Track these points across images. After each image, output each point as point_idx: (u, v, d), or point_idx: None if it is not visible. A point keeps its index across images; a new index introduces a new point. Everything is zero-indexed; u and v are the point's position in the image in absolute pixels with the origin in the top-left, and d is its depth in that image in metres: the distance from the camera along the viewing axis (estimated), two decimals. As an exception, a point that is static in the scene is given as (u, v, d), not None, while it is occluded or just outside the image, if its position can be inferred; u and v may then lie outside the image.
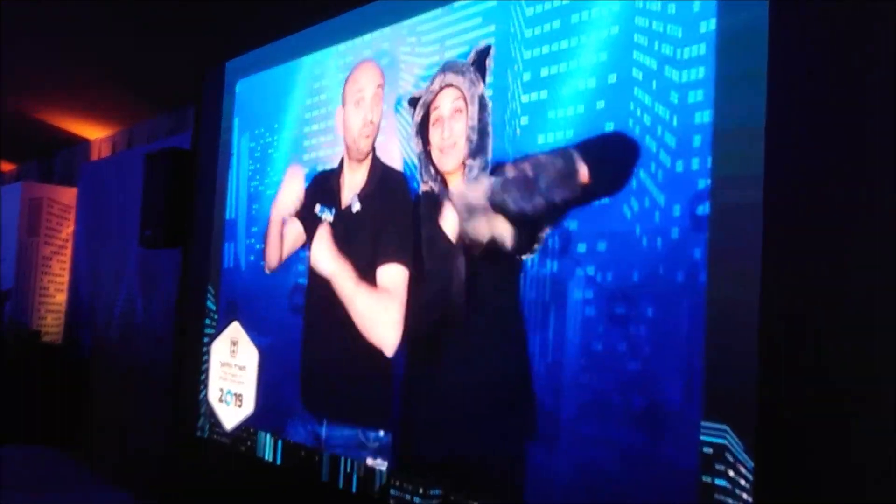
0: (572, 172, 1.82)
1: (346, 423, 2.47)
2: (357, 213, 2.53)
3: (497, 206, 1.98)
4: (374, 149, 2.51)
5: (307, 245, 2.70)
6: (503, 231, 1.97)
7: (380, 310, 2.38)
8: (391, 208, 2.42)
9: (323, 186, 2.70)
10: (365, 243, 2.48)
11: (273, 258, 2.87)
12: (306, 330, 2.71)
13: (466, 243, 2.09)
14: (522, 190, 1.91)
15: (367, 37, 2.59)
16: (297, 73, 2.90)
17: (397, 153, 2.41)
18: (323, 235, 2.63)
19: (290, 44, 2.95)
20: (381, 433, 2.34)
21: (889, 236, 1.37)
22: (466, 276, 2.10)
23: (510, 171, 1.97)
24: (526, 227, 1.93)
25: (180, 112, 4.35)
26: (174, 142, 3.95)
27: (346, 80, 2.64)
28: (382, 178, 2.47)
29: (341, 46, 2.70)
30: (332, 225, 2.61)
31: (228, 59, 3.31)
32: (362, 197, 2.53)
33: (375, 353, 2.37)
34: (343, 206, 2.59)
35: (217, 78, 3.36)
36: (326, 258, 2.59)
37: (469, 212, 2.07)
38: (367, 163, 2.53)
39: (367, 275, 2.43)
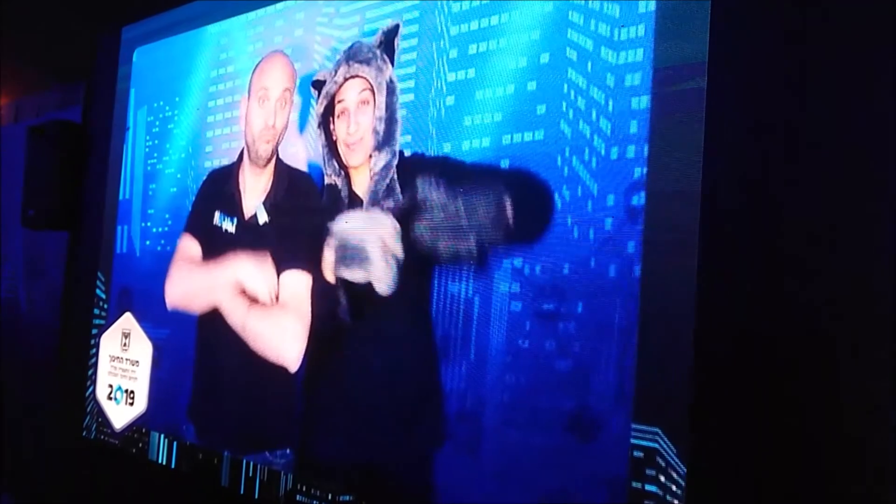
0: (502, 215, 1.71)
1: (251, 453, 2.27)
2: (264, 224, 2.30)
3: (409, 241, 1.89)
4: (276, 152, 2.31)
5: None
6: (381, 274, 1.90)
7: (279, 327, 2.19)
8: (300, 214, 2.21)
9: (219, 190, 2.46)
10: (272, 255, 2.26)
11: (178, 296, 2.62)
12: (199, 348, 2.48)
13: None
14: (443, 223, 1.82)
15: (280, 5, 2.39)
16: (202, 42, 2.66)
17: (302, 152, 2.23)
18: (182, 272, 2.45)
19: (193, 10, 2.70)
20: (288, 451, 2.16)
21: (832, 232, 1.32)
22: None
23: (425, 202, 1.86)
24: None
25: (73, 84, 3.99)
26: (66, 115, 3.60)
27: (254, 70, 2.42)
28: (290, 185, 2.26)
29: (251, 15, 2.49)
30: (235, 235, 2.38)
31: (124, 24, 3.02)
32: (268, 206, 2.30)
33: (277, 370, 2.18)
34: (247, 217, 2.36)
35: (112, 45, 3.06)
36: (187, 293, 2.41)
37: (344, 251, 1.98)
38: (270, 168, 2.32)
39: (262, 252, 2.26)
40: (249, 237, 2.34)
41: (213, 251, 2.46)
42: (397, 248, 1.87)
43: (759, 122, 1.42)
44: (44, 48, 3.69)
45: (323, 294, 2.08)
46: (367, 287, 1.93)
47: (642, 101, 1.51)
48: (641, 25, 1.53)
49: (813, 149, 1.37)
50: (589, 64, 1.60)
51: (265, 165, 2.33)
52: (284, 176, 2.28)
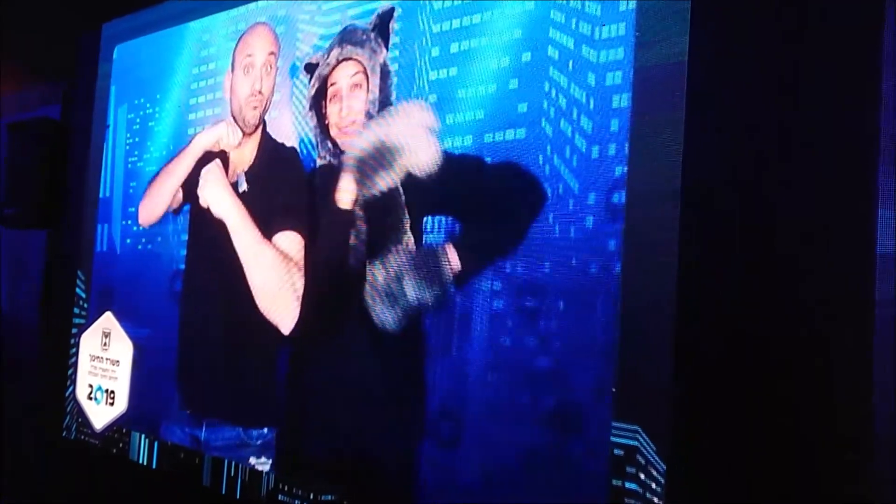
0: (442, 271, 1.74)
1: (228, 422, 2.26)
2: (243, 192, 2.31)
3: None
4: (263, 123, 2.31)
5: (186, 202, 2.46)
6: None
7: (282, 275, 2.14)
8: (282, 187, 2.21)
9: (206, 160, 2.46)
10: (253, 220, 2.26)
11: (157, 210, 2.59)
12: (184, 315, 2.46)
13: (364, 214, 1.93)
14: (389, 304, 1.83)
15: (262, 2, 2.37)
16: (183, 39, 2.64)
17: (290, 129, 2.22)
18: (214, 170, 2.37)
19: (175, 7, 2.68)
20: (265, 430, 2.15)
21: (812, 230, 1.33)
22: (366, 250, 1.94)
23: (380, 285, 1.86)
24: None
25: (53, 82, 3.95)
26: (46, 113, 3.56)
27: (237, 43, 2.42)
28: (272, 156, 2.26)
29: (233, 12, 2.47)
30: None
31: (105, 21, 2.99)
32: (250, 176, 2.31)
33: (264, 334, 2.15)
34: (230, 181, 2.37)
35: (92, 42, 3.03)
36: (222, 196, 2.31)
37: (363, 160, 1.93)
38: (256, 138, 2.32)
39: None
40: None
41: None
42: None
43: (739, 121, 1.42)
44: (24, 45, 3.64)
45: (318, 257, 2.06)
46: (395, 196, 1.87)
47: (623, 100, 1.51)
48: (622, 24, 1.54)
49: (789, 146, 1.38)
50: (570, 63, 1.60)
51: (251, 133, 2.33)
52: (269, 148, 2.28)
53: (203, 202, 2.39)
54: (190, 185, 2.47)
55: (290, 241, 2.14)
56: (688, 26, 1.45)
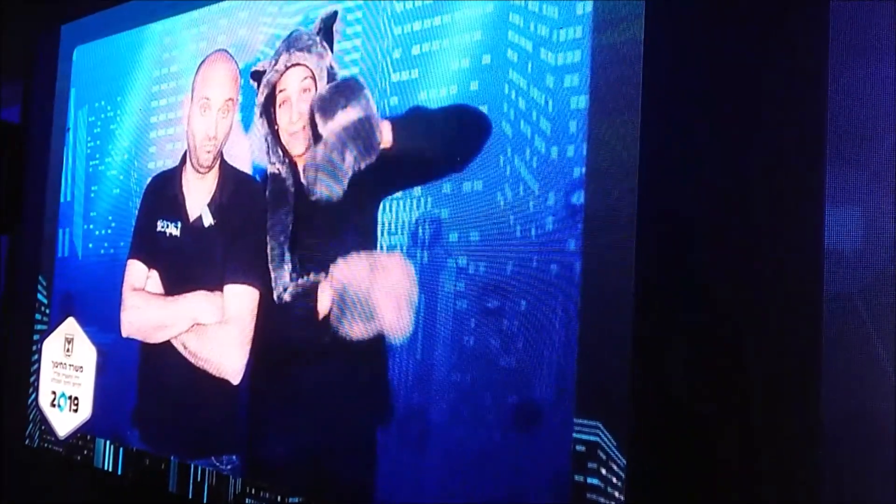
0: (373, 141, 1.81)
1: (197, 458, 2.25)
2: (210, 226, 2.27)
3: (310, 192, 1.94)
4: (220, 154, 2.28)
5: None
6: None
7: (218, 343, 2.17)
8: (246, 218, 2.18)
9: (162, 195, 2.42)
10: (217, 259, 2.23)
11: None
12: (142, 361, 2.45)
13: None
14: (330, 174, 1.87)
15: (225, 4, 2.36)
16: (144, 41, 2.61)
17: (247, 153, 2.20)
18: (136, 305, 2.42)
19: (136, 8, 2.65)
20: (234, 457, 2.14)
21: (770, 227, 1.36)
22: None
23: (319, 156, 1.91)
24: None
25: (10, 83, 3.87)
26: (6, 115, 3.49)
27: (197, 71, 2.38)
28: (236, 187, 2.23)
29: (195, 13, 2.45)
30: (179, 239, 2.35)
31: (64, 21, 2.94)
32: (212, 207, 2.27)
33: (219, 381, 2.17)
34: (191, 219, 2.32)
35: (51, 44, 2.99)
36: (142, 328, 2.40)
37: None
38: (215, 171, 2.29)
39: (216, 290, 2.22)
40: (194, 240, 2.31)
41: (159, 262, 2.42)
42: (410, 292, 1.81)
43: (695, 119, 1.46)
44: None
45: (271, 310, 2.07)
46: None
47: (581, 102, 1.54)
48: (579, 27, 1.56)
49: (746, 143, 1.41)
50: (529, 65, 1.63)
51: (207, 172, 2.31)
52: (230, 178, 2.26)
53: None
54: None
55: (240, 297, 2.14)
56: (643, 26, 1.48)
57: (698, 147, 1.44)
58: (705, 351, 1.40)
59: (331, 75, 1.97)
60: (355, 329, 1.86)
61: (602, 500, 1.43)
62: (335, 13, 1.98)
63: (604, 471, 1.44)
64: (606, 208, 1.48)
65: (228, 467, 2.15)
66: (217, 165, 2.29)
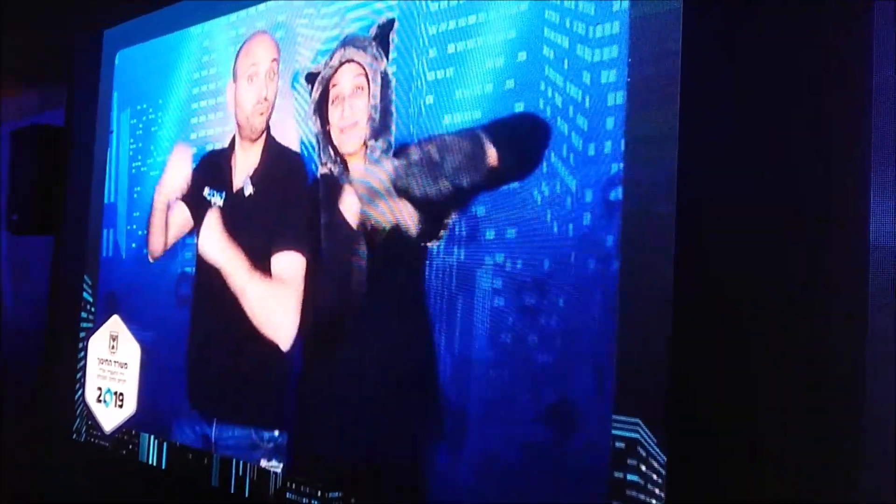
0: (481, 155, 1.73)
1: (238, 424, 2.30)
2: (249, 196, 2.34)
3: (401, 191, 1.87)
4: (268, 128, 2.33)
5: (195, 231, 2.50)
6: (407, 217, 1.86)
7: (274, 301, 2.21)
8: (287, 192, 2.25)
9: (212, 168, 2.49)
10: (258, 229, 2.30)
11: (157, 245, 2.64)
12: (193, 323, 2.50)
13: (368, 230, 1.96)
14: (428, 174, 1.81)
15: (262, 7, 2.40)
16: (184, 44, 2.66)
17: (293, 133, 2.24)
18: (212, 222, 2.43)
19: (175, 12, 2.71)
20: (276, 433, 2.18)
21: (813, 222, 1.34)
22: (367, 264, 1.97)
23: (414, 154, 1.86)
24: (432, 212, 1.82)
25: (54, 87, 3.97)
26: (49, 118, 3.59)
27: (238, 54, 2.44)
28: (277, 160, 2.29)
29: (232, 17, 2.49)
30: (223, 209, 2.42)
31: (107, 27, 3.01)
32: (255, 180, 2.34)
33: (269, 347, 2.21)
34: (234, 189, 2.40)
35: (94, 48, 3.06)
36: (216, 246, 2.40)
37: (371, 196, 1.94)
38: (261, 142, 2.35)
39: (260, 262, 2.26)
40: (236, 210, 2.39)
41: (200, 221, 2.50)
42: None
43: (735, 114, 1.44)
44: (26, 51, 3.68)
45: (318, 272, 2.10)
46: (393, 230, 1.90)
47: (618, 97, 1.53)
48: (616, 23, 1.56)
49: (786, 140, 1.40)
50: (565, 61, 1.62)
51: (257, 139, 2.36)
52: (274, 152, 2.31)
53: (201, 250, 2.46)
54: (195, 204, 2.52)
55: (290, 262, 2.18)
56: (681, 22, 1.47)
57: (738, 142, 1.43)
58: (746, 347, 1.39)
59: (385, 80, 1.98)
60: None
61: (642, 496, 1.43)
62: (392, 21, 1.99)
63: (644, 467, 1.44)
64: (644, 204, 1.48)
65: (270, 445, 2.18)
66: (263, 137, 2.34)
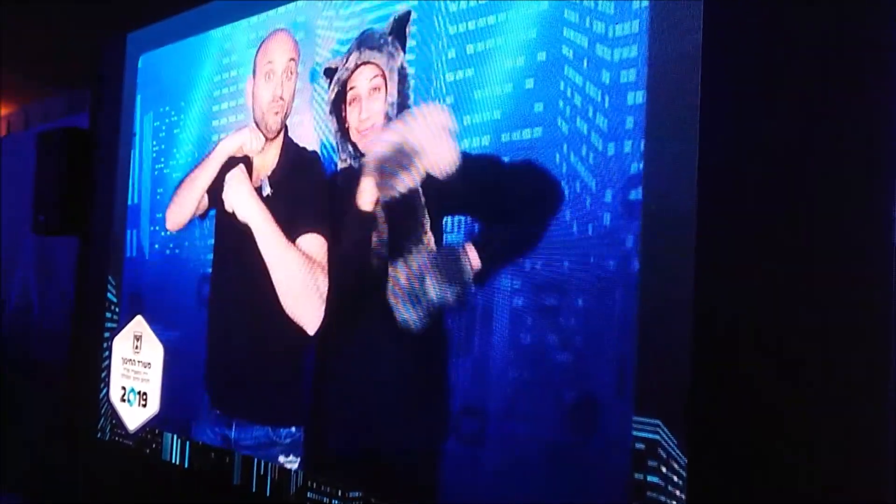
0: (462, 270, 1.78)
1: (257, 422, 2.31)
2: (268, 196, 2.36)
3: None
4: (285, 128, 2.35)
5: (210, 209, 2.53)
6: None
7: (307, 276, 2.19)
8: (304, 189, 2.26)
9: (231, 166, 2.51)
10: (277, 224, 2.31)
11: (183, 215, 2.65)
12: (212, 317, 2.52)
13: (385, 215, 1.96)
14: (412, 301, 1.87)
15: (282, 9, 2.42)
16: (205, 47, 2.69)
17: (312, 133, 2.26)
18: (239, 174, 2.43)
19: (197, 15, 2.74)
20: (293, 429, 2.20)
21: (836, 223, 1.33)
22: (388, 254, 1.97)
23: (402, 282, 1.90)
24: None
25: (81, 89, 4.03)
26: (75, 121, 3.65)
27: (258, 50, 2.47)
28: (295, 160, 2.31)
29: (253, 19, 2.51)
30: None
31: (130, 31, 3.05)
32: (273, 180, 2.36)
33: (290, 335, 2.20)
34: (253, 186, 2.42)
35: (117, 52, 3.10)
36: (247, 202, 2.37)
37: (383, 165, 1.96)
38: (279, 142, 2.37)
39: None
40: None
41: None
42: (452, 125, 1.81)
43: (755, 113, 1.43)
44: (51, 56, 3.73)
45: (339, 259, 2.11)
46: (411, 200, 1.89)
47: (637, 97, 1.53)
48: (636, 22, 1.55)
49: (808, 138, 1.38)
50: (585, 61, 1.62)
51: (273, 139, 2.37)
52: (292, 153, 2.32)
53: (228, 206, 2.45)
54: (215, 191, 2.53)
55: (313, 243, 2.18)
56: (701, 20, 1.45)
57: (760, 142, 1.42)
58: (768, 349, 1.37)
59: (402, 76, 1.99)
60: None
61: (663, 498, 1.42)
62: (408, 13, 1.99)
63: (664, 469, 1.43)
64: (665, 204, 1.47)
65: (287, 441, 2.20)
66: (281, 137, 2.35)
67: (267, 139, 2.40)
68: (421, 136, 1.88)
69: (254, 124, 2.44)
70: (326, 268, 2.14)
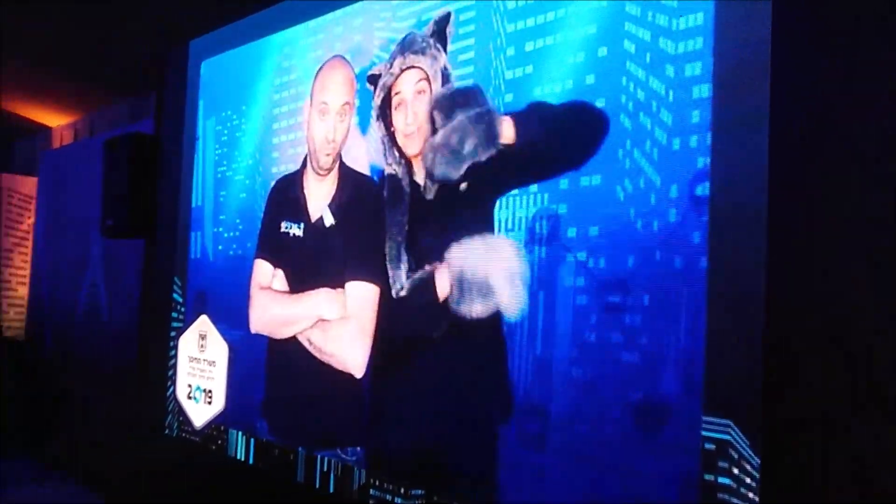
0: (494, 134, 1.82)
1: (322, 449, 2.35)
2: (331, 226, 2.36)
3: (429, 174, 1.98)
4: (339, 158, 2.36)
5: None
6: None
7: (341, 339, 2.25)
8: (364, 217, 2.25)
9: (285, 199, 2.54)
10: (338, 257, 2.31)
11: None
12: (270, 356, 2.57)
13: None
14: (449, 157, 1.89)
15: (339, 12, 2.44)
16: (266, 51, 2.74)
17: (364, 155, 2.27)
18: (263, 301, 2.55)
19: (257, 21, 2.79)
20: (359, 448, 2.22)
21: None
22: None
23: (438, 139, 1.93)
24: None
25: (145, 96, 4.16)
26: (139, 127, 3.77)
27: (315, 77, 2.48)
28: (354, 187, 2.31)
29: (311, 23, 2.55)
30: (303, 239, 2.45)
31: (192, 38, 3.14)
32: (333, 207, 2.36)
33: (344, 374, 2.25)
34: (313, 220, 2.42)
35: (181, 59, 3.19)
36: (265, 328, 2.55)
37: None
38: (334, 173, 2.38)
39: (338, 287, 2.30)
40: (317, 240, 2.40)
41: (284, 262, 2.53)
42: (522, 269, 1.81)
43: (826, 106, 1.38)
44: (115, 64, 3.86)
45: (391, 305, 2.13)
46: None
47: (703, 90, 1.50)
48: (700, 14, 1.52)
49: (879, 132, 1.33)
50: (648, 55, 1.59)
51: (327, 175, 2.40)
52: (349, 179, 2.34)
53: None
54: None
55: (362, 294, 2.21)
56: (770, 9, 1.42)
57: (833, 135, 1.37)
58: (840, 348, 1.33)
59: (445, 76, 2.01)
60: (474, 308, 1.87)
61: (735, 500, 1.39)
62: (448, 15, 2.01)
63: (736, 470, 1.39)
64: (734, 200, 1.43)
65: (353, 458, 2.23)
66: (336, 168, 2.37)
67: (321, 175, 2.42)
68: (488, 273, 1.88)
69: (309, 160, 2.47)
70: (375, 314, 2.17)
